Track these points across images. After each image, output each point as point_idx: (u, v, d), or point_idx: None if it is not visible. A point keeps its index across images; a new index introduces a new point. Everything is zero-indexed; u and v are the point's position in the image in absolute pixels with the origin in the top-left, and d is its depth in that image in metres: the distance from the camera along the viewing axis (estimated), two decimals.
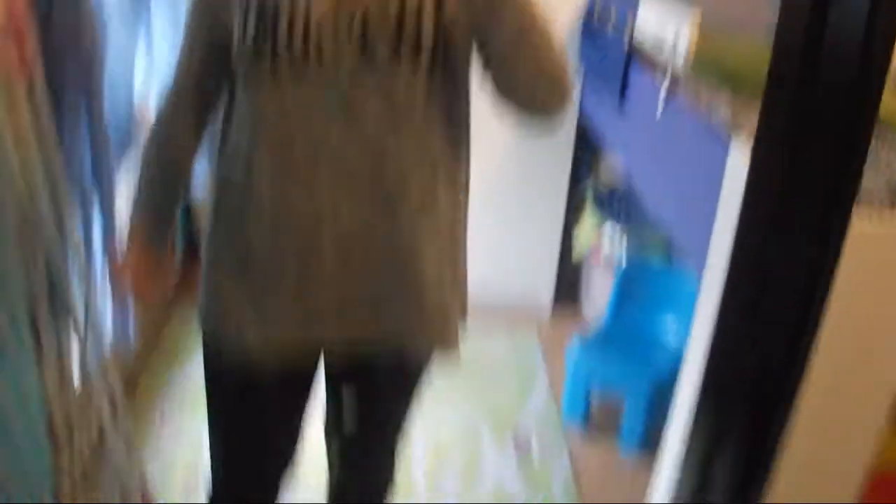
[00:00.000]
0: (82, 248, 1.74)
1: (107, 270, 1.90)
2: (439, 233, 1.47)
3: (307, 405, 1.66)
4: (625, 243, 3.20)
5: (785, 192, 1.03)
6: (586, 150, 3.52)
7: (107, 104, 1.83)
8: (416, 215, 1.41)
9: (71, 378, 1.61)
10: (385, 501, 1.84)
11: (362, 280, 1.41)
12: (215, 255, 1.49)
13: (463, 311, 1.59)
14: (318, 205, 1.37)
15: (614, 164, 3.33)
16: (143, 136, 1.65)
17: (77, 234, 1.68)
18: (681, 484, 1.09)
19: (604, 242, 3.28)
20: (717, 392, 1.07)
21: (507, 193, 3.61)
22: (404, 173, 1.40)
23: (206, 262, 1.50)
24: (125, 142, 2.28)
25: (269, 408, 1.59)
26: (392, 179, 1.39)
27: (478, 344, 3.42)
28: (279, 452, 1.67)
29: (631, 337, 2.96)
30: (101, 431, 1.73)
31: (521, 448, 2.78)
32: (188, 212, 3.26)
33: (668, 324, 2.95)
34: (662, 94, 1.99)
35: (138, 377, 2.88)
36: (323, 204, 1.37)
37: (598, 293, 3.50)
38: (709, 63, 1.87)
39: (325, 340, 1.48)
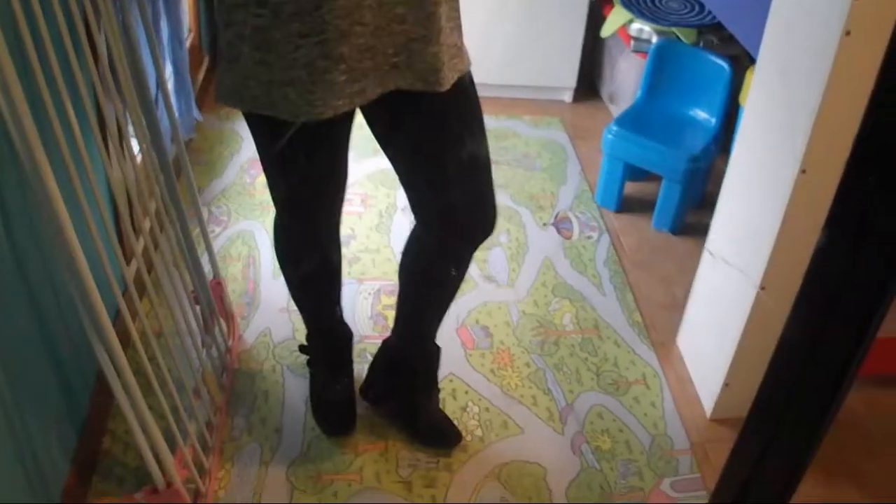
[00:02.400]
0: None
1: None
2: None
3: (348, 142, 1.73)
4: (653, 34, 3.25)
5: None
6: None
7: None
8: None
9: (133, 157, 1.71)
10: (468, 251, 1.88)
11: (397, 30, 1.46)
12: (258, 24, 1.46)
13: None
14: None
15: None
16: None
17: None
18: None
19: (631, 28, 3.33)
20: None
21: None
22: None
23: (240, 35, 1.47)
24: None
25: (318, 149, 1.67)
26: None
27: (507, 134, 3.56)
28: (331, 179, 1.78)
29: (663, 117, 3.07)
30: (158, 217, 1.87)
31: (563, 229, 2.95)
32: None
33: (701, 105, 3.05)
34: None
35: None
36: None
37: (623, 79, 3.58)
38: None
39: (367, 90, 1.51)
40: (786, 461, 1.01)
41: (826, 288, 0.85)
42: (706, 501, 2.01)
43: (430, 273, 1.92)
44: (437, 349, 2.08)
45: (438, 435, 2.11)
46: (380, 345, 2.15)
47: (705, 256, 2.31)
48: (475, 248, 1.83)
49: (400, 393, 2.11)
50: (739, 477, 1.06)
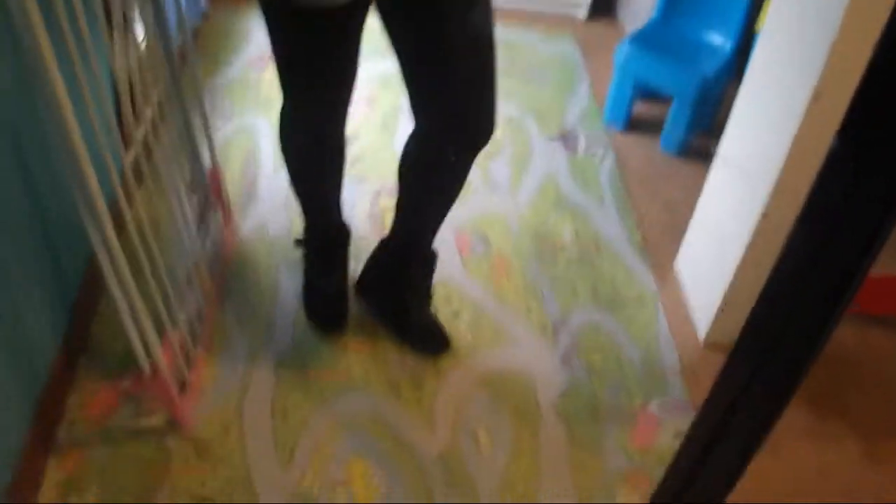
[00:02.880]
0: None
1: None
2: None
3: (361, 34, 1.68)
4: None
5: None
6: None
7: None
8: None
9: (137, 44, 1.68)
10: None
11: None
12: None
13: None
14: None
15: None
16: None
17: None
18: None
19: None
20: None
21: None
22: None
23: None
24: None
25: (331, 39, 1.63)
26: None
27: (518, 46, 3.49)
28: (342, 70, 1.73)
29: (677, 38, 3.00)
30: (160, 106, 1.84)
31: (568, 144, 2.91)
32: None
33: (717, 29, 2.99)
34: None
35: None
36: None
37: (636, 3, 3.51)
38: None
39: None
40: (773, 387, 0.99)
41: (834, 197, 0.82)
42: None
43: (429, 173, 1.89)
44: (434, 255, 2.06)
45: (428, 338, 2.10)
46: (377, 244, 2.12)
47: (714, 167, 2.27)
48: (476, 146, 1.80)
49: (393, 291, 2.09)
50: (726, 399, 1.04)
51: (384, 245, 2.11)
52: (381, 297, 2.12)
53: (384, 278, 2.10)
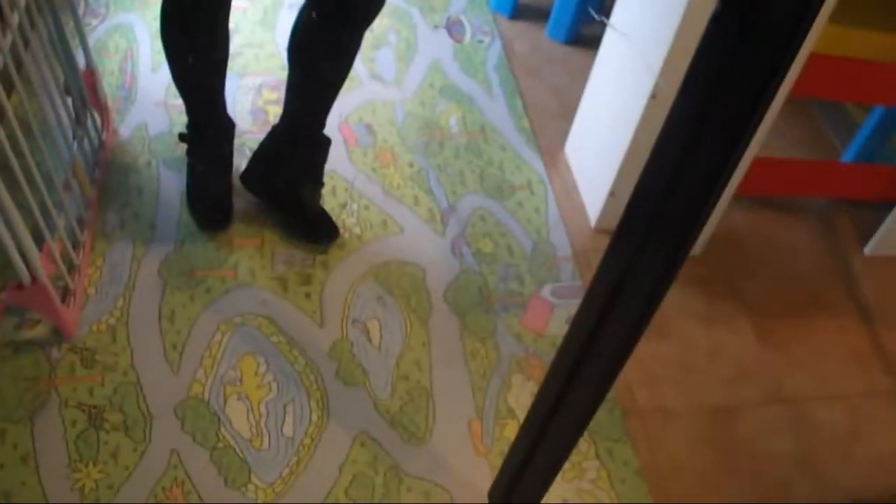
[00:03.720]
0: None
1: None
2: None
3: None
4: None
5: None
6: None
7: None
8: None
9: None
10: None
11: None
12: None
13: None
14: None
15: None
16: None
17: None
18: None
19: None
20: None
21: None
22: None
23: None
24: None
25: None
26: None
27: None
28: None
29: None
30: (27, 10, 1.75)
31: (454, 32, 2.86)
32: None
33: None
34: None
35: None
36: None
37: None
38: None
39: None
40: (657, 266, 1.00)
41: (716, 63, 0.81)
42: None
43: (319, 49, 1.86)
44: (328, 140, 2.02)
45: (317, 229, 2.08)
46: (266, 134, 2.09)
47: (606, 36, 2.25)
48: (365, 20, 1.80)
49: (282, 181, 2.06)
50: (611, 280, 1.05)
51: (274, 132, 2.07)
52: (271, 185, 2.08)
53: (274, 164, 2.07)
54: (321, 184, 2.09)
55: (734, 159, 0.82)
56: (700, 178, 0.87)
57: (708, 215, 0.90)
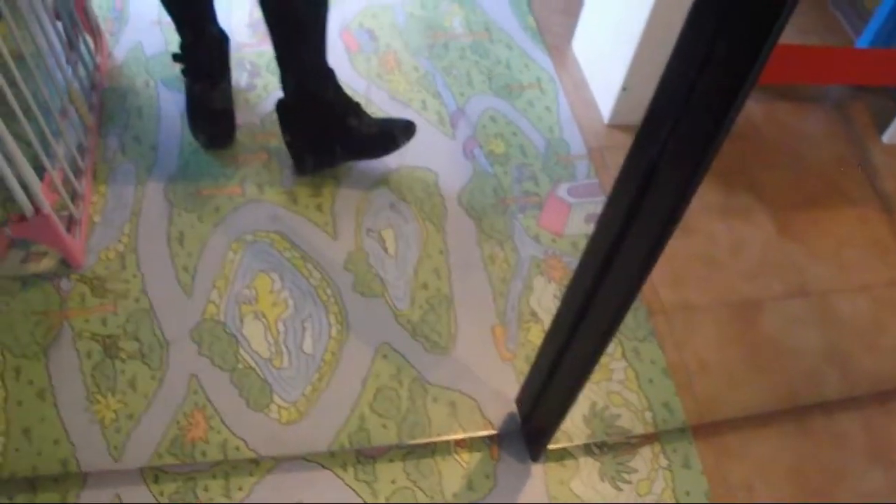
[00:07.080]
0: None
1: None
2: None
3: None
4: None
5: None
6: None
7: None
8: None
9: None
10: None
11: None
12: None
13: None
14: None
15: None
16: None
17: None
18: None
19: None
20: None
21: None
22: None
23: None
24: None
25: None
26: None
27: None
28: None
29: None
30: None
31: None
32: None
33: None
34: None
35: None
36: None
37: None
38: None
39: None
40: (683, 164, 0.94)
41: None
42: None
43: None
44: (331, 71, 1.88)
45: (388, 134, 1.98)
46: (276, 108, 1.93)
47: None
48: None
49: (328, 141, 1.94)
50: (641, 172, 1.00)
51: (286, 106, 1.91)
52: (327, 152, 1.96)
53: (313, 132, 1.93)
54: (356, 104, 1.94)
55: (776, 29, 0.76)
56: (735, 56, 0.81)
57: (731, 121, 0.85)
